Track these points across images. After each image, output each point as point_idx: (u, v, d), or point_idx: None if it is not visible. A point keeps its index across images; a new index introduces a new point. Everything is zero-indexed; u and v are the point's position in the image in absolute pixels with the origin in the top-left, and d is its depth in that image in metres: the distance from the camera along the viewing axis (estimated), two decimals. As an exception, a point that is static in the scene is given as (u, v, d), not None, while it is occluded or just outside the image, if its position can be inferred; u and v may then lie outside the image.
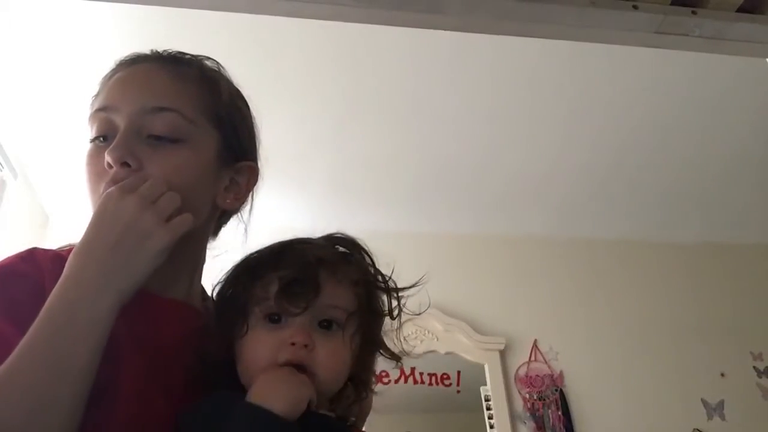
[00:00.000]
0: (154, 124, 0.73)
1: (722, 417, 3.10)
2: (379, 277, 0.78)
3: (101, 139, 0.74)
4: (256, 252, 0.74)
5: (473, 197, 3.16)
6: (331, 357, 0.69)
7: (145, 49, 0.80)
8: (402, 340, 0.78)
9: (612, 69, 2.41)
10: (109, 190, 0.68)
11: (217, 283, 0.75)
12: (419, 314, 0.85)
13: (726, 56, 1.72)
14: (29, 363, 0.58)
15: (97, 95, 0.78)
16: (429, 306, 0.89)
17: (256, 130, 0.86)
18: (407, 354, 0.80)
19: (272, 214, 2.89)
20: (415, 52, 2.29)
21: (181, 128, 0.74)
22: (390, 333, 0.78)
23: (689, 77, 2.47)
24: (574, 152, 2.88)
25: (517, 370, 3.04)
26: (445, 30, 1.31)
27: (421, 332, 3.01)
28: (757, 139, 2.84)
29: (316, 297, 0.68)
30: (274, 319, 0.69)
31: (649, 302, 3.36)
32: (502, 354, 3.05)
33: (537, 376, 3.03)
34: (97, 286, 0.62)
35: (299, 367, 0.66)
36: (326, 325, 0.70)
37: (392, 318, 0.77)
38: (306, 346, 0.67)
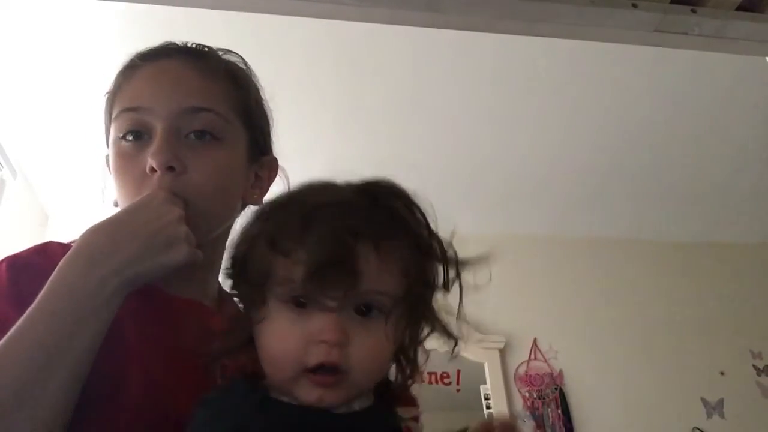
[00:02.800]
0: (192, 123, 0.72)
1: (722, 415, 3.10)
2: (435, 244, 0.63)
3: (132, 136, 0.72)
4: (275, 209, 0.61)
5: (474, 196, 3.16)
6: (370, 353, 0.57)
7: (164, 41, 0.79)
8: (462, 318, 0.65)
9: (612, 68, 2.41)
10: (156, 191, 0.68)
11: (233, 248, 0.63)
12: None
13: (724, 56, 1.73)
14: (27, 339, 0.57)
15: (118, 91, 0.76)
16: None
17: (272, 123, 0.86)
18: (462, 336, 0.66)
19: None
20: (416, 51, 2.29)
21: (218, 128, 0.74)
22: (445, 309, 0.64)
23: (688, 76, 2.47)
24: (575, 151, 2.89)
25: (517, 369, 3.04)
26: (445, 29, 1.31)
27: (420, 331, 3.01)
28: (755, 138, 2.84)
29: (356, 285, 0.55)
30: (300, 302, 0.56)
31: (649, 301, 3.36)
32: (502, 353, 3.05)
33: (537, 374, 3.03)
34: (107, 266, 0.61)
35: (334, 369, 0.55)
36: (365, 310, 0.57)
37: (447, 290, 0.63)
38: (341, 343, 0.55)
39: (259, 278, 0.58)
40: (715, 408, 3.12)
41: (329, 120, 2.61)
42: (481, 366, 3.00)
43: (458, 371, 2.97)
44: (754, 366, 3.27)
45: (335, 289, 0.55)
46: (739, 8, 1.28)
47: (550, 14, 1.27)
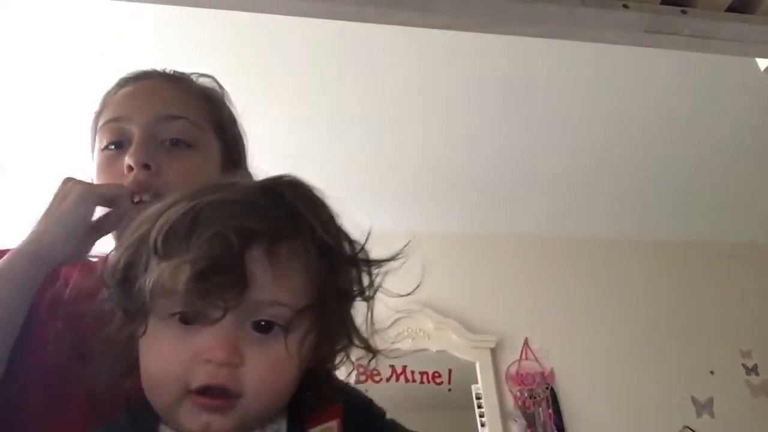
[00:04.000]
0: (168, 130, 0.78)
1: (711, 414, 3.12)
2: (345, 245, 0.56)
3: (114, 146, 0.78)
4: (166, 208, 0.52)
5: (464, 196, 3.17)
6: (267, 374, 0.49)
7: (145, 66, 0.87)
8: (374, 329, 0.59)
9: (598, 69, 2.42)
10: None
11: (116, 252, 0.55)
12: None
13: (709, 57, 1.74)
14: None
15: (102, 110, 0.83)
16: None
17: (246, 140, 0.92)
18: (384, 350, 0.60)
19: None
20: (406, 52, 2.29)
21: (192, 135, 0.80)
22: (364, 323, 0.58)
23: (673, 78, 2.49)
24: (561, 151, 2.90)
25: (508, 368, 3.05)
26: (436, 28, 1.31)
27: (412, 331, 3.01)
28: (741, 138, 2.86)
29: (243, 293, 0.48)
30: (185, 318, 0.49)
31: (639, 300, 3.38)
32: (493, 352, 3.06)
33: (528, 374, 3.04)
34: (22, 251, 0.65)
35: (222, 392, 0.48)
36: (264, 327, 0.50)
37: (365, 299, 0.57)
38: (231, 363, 0.48)
39: (140, 288, 0.50)
40: (704, 407, 3.14)
41: (322, 119, 2.60)
42: (472, 365, 3.01)
43: (450, 370, 2.98)
44: (743, 365, 3.29)
45: (221, 298, 0.47)
46: (729, 9, 1.28)
47: (541, 15, 1.27)
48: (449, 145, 2.81)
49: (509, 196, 3.19)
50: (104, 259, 0.62)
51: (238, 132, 0.90)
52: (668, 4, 1.27)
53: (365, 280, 0.57)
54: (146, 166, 0.75)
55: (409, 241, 0.61)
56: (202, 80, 0.89)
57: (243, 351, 0.49)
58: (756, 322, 3.41)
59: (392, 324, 2.98)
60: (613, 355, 3.19)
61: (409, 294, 0.64)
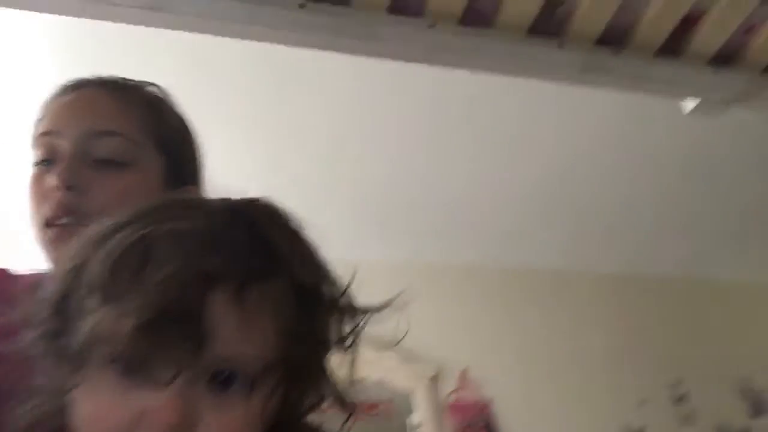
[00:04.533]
0: (99, 148, 0.73)
1: (642, 443, 3.19)
2: (326, 287, 0.49)
3: (45, 162, 0.74)
4: (111, 234, 0.44)
5: (410, 224, 3.18)
6: None
7: (88, 74, 0.81)
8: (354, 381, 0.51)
9: (550, 104, 2.48)
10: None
11: (49, 284, 0.46)
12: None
13: (649, 97, 1.81)
14: None
15: (40, 120, 0.78)
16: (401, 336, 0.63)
17: (200, 154, 0.87)
18: (360, 406, 0.52)
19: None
20: (356, 78, 2.30)
21: (126, 152, 0.75)
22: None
23: (600, 117, 2.57)
24: (515, 181, 2.94)
25: (447, 399, 3.04)
26: (380, 57, 1.32)
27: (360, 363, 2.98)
28: (676, 177, 2.98)
29: (201, 350, 0.40)
30: (129, 368, 0.41)
31: (575, 331, 3.44)
32: (432, 382, 3.05)
33: (466, 404, 3.04)
34: None
35: None
36: (223, 381, 0.42)
37: (345, 349, 0.51)
38: (182, 424, 0.40)
39: (74, 331, 0.42)
40: (636, 436, 3.21)
41: (266, 144, 2.58)
42: (410, 395, 2.99)
43: (388, 401, 2.95)
44: (672, 395, 3.39)
45: (173, 358, 0.40)
46: (659, 52, 1.35)
47: (482, 51, 1.30)
48: (400, 171, 2.82)
49: (457, 225, 3.22)
50: (27, 285, 0.54)
51: (188, 146, 0.85)
52: (602, 44, 1.33)
53: (347, 328, 0.50)
54: (70, 188, 0.70)
55: (401, 292, 0.54)
56: (148, 89, 0.84)
57: (197, 413, 0.41)
58: (684, 353, 3.52)
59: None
60: (548, 386, 3.23)
61: (396, 344, 0.57)
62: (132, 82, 0.83)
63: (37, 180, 0.74)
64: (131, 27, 1.21)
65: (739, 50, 1.38)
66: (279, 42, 1.25)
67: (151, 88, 0.84)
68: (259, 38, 1.22)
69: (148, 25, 1.18)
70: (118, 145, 0.74)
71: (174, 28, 1.20)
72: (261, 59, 2.18)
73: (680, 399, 3.38)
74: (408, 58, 1.33)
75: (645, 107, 2.42)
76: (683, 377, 3.44)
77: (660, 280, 3.76)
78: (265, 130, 2.50)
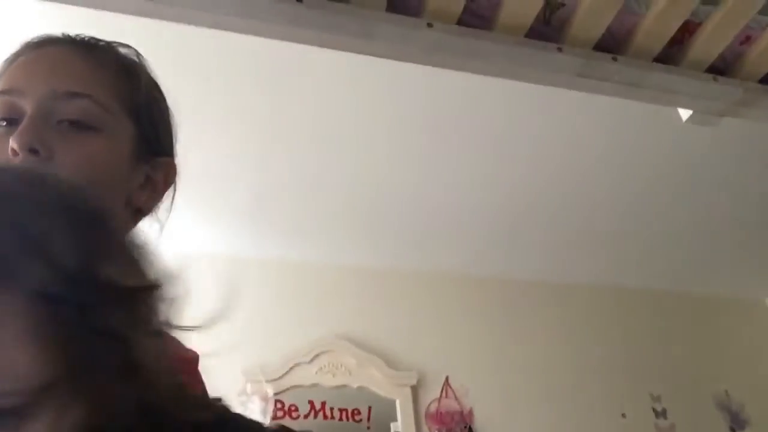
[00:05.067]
0: (66, 109, 0.66)
1: (623, 456, 3.19)
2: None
3: (4, 123, 0.66)
4: None
5: (394, 231, 3.16)
6: None
7: (56, 32, 0.73)
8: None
9: (537, 110, 2.48)
10: None
11: None
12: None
13: (637, 107, 1.81)
14: None
15: (0, 76, 0.70)
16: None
17: (174, 125, 0.79)
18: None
19: (189, 237, 2.81)
20: (347, 80, 2.28)
21: (95, 116, 0.67)
22: None
23: (594, 123, 2.57)
24: (495, 191, 2.94)
25: (428, 407, 3.02)
26: (374, 56, 1.30)
27: (333, 366, 2.95)
28: (661, 187, 2.99)
29: None
30: None
31: (556, 343, 3.44)
32: (414, 390, 3.03)
33: (447, 412, 3.02)
34: None
35: None
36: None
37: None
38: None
39: None
40: (616, 449, 3.20)
41: (253, 141, 2.54)
42: (392, 403, 2.96)
43: (369, 408, 2.92)
44: (653, 409, 3.40)
45: None
46: (656, 60, 1.34)
47: (479, 52, 1.29)
48: (384, 179, 2.80)
49: (440, 233, 3.21)
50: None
51: (158, 111, 0.77)
52: (600, 50, 1.32)
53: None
54: (33, 151, 0.63)
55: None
56: (122, 50, 0.76)
57: None
58: (664, 367, 3.54)
59: (313, 358, 2.92)
60: (530, 396, 3.22)
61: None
62: (104, 42, 0.76)
63: None
64: (125, 19, 1.18)
65: (735, 60, 1.38)
66: (274, 37, 1.22)
67: (124, 50, 0.76)
68: (255, 32, 1.19)
69: (143, 15, 1.14)
70: (87, 107, 0.67)
71: (169, 19, 1.16)
72: (251, 56, 2.15)
73: (661, 413, 3.39)
74: (404, 58, 1.31)
75: (639, 116, 2.43)
76: (663, 391, 3.45)
77: (641, 293, 3.78)
78: (253, 127, 2.46)
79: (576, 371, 3.37)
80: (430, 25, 1.24)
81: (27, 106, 0.66)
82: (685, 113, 1.42)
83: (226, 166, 2.60)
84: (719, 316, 3.93)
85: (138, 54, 0.77)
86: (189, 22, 1.17)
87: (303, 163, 2.67)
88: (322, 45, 1.25)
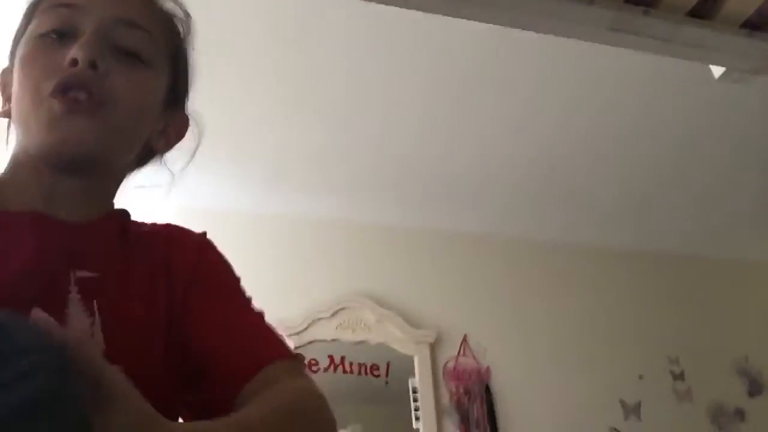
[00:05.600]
0: (126, 37, 0.68)
1: (638, 417, 3.20)
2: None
3: (56, 34, 0.66)
4: None
5: (418, 190, 3.16)
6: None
7: None
8: None
9: (559, 70, 2.44)
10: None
11: None
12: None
13: (671, 63, 1.77)
14: None
15: None
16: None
17: (193, 84, 0.83)
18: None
19: (209, 194, 2.83)
20: (371, 41, 2.26)
21: (149, 51, 0.70)
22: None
23: (631, 83, 2.53)
24: (515, 152, 2.92)
25: (446, 364, 3.05)
26: (400, 7, 1.28)
27: (353, 322, 2.99)
28: (684, 152, 2.94)
29: None
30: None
31: (575, 305, 3.44)
32: (432, 347, 3.06)
33: (464, 370, 3.05)
34: None
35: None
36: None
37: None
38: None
39: None
40: (632, 410, 3.22)
41: (279, 101, 2.53)
42: (410, 359, 3.00)
43: (388, 363, 2.97)
44: (671, 371, 3.40)
45: None
46: (689, 14, 1.31)
47: (512, 4, 1.26)
48: (409, 138, 2.79)
49: (464, 193, 3.20)
50: None
51: (189, 71, 0.80)
52: (632, 3, 1.29)
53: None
54: (93, 65, 0.64)
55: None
56: (177, 3, 0.79)
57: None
58: (683, 330, 3.53)
59: (334, 314, 2.95)
60: (547, 357, 3.24)
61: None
62: None
63: (46, 51, 0.66)
64: None
65: (772, 15, 1.34)
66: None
67: (174, 2, 0.79)
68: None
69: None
70: (145, 41, 0.69)
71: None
72: (278, 14, 2.13)
73: (678, 375, 3.39)
74: (431, 9, 1.29)
75: (671, 75, 2.37)
76: (681, 354, 3.45)
77: (662, 257, 3.76)
78: (282, 88, 2.46)
79: (594, 332, 3.37)
80: (459, -23, 1.22)
81: (87, 23, 0.66)
82: (718, 70, 1.39)
83: (254, 125, 2.61)
84: (740, 280, 3.90)
85: (188, 13, 0.79)
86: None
87: (330, 123, 2.66)
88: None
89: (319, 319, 2.92)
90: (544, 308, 3.38)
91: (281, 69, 2.37)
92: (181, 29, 0.77)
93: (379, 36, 2.24)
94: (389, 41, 2.27)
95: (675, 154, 2.98)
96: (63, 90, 0.62)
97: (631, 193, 3.27)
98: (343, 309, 2.98)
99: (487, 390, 3.04)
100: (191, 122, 0.81)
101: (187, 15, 0.79)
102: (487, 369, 3.09)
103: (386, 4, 1.26)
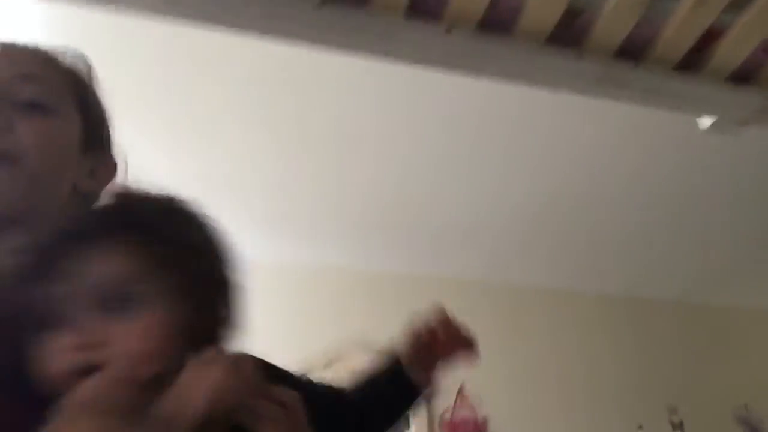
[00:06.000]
0: (25, 90, 0.71)
1: (639, 468, 3.15)
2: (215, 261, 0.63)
3: None
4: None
5: (409, 238, 3.16)
6: (129, 345, 0.55)
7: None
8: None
9: (552, 119, 2.47)
10: None
11: None
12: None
13: (656, 115, 1.80)
14: None
15: None
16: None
17: (112, 123, 0.85)
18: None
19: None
20: (367, 87, 2.29)
21: (50, 99, 0.73)
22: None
23: (622, 133, 2.56)
24: (509, 199, 2.93)
25: (442, 415, 3.00)
26: (394, 61, 1.30)
27: (348, 373, 2.94)
28: (677, 195, 2.96)
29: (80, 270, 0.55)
30: (47, 323, 0.55)
31: (573, 353, 3.41)
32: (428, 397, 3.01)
33: (461, 421, 3.00)
34: None
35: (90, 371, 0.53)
36: (117, 305, 0.55)
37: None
38: (91, 345, 0.53)
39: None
40: (633, 461, 3.17)
41: (274, 147, 2.56)
42: (406, 410, 2.95)
43: (383, 414, 2.91)
44: (670, 421, 3.35)
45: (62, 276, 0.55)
46: (677, 67, 1.34)
47: (498, 57, 1.29)
48: (402, 184, 2.80)
49: (454, 240, 3.20)
50: None
51: (104, 114, 0.83)
52: (621, 57, 1.31)
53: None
54: None
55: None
56: (72, 54, 0.82)
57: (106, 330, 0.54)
58: (682, 379, 3.50)
59: (328, 365, 2.91)
60: (545, 406, 3.19)
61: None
62: (57, 47, 0.82)
63: None
64: (122, 19, 1.20)
65: (758, 68, 1.37)
66: (294, 40, 1.23)
67: (74, 54, 0.82)
68: (275, 36, 1.20)
69: (160, 14, 1.16)
70: (43, 89, 0.72)
71: (187, 19, 1.18)
72: (271, 62, 2.17)
73: (678, 425, 3.34)
74: (424, 63, 1.31)
75: (657, 125, 2.41)
76: (680, 403, 3.41)
77: (659, 303, 3.74)
78: (273, 133, 2.48)
79: (592, 382, 3.34)
80: (449, 30, 1.24)
81: None
82: (705, 122, 1.41)
83: (244, 172, 2.62)
84: (739, 327, 3.88)
85: (86, 58, 0.83)
86: (208, 24, 1.18)
87: (321, 169, 2.68)
88: (341, 50, 1.26)
89: (313, 370, 2.87)
90: (540, 357, 3.35)
91: (272, 119, 2.39)
92: (84, 77, 0.81)
93: (371, 85, 2.27)
94: (380, 90, 2.30)
95: (671, 199, 3.00)
96: None
97: (627, 239, 3.27)
98: (337, 360, 2.94)
99: (485, 441, 2.99)
100: (120, 163, 0.83)
101: (88, 64, 0.83)
102: (484, 419, 3.04)
103: (379, 58, 1.28)
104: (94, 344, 0.53)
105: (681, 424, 3.35)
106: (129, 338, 0.53)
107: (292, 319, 3.01)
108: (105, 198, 0.76)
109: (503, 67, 1.28)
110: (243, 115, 2.35)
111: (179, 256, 0.59)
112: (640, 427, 3.27)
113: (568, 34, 1.29)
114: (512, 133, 2.56)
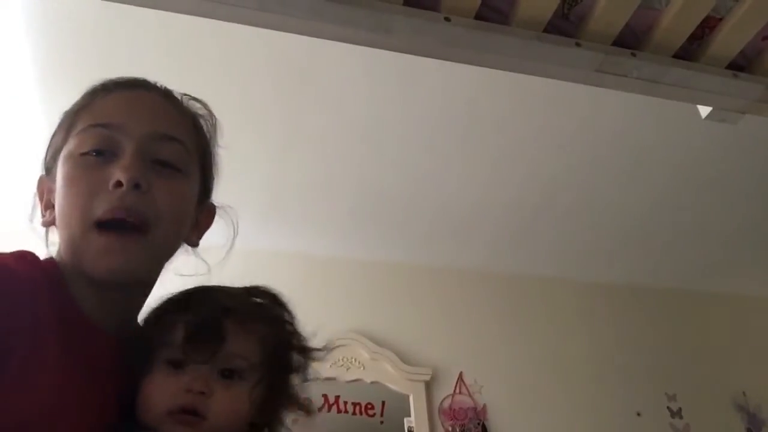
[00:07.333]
0: (163, 150, 0.73)
1: (637, 455, 3.16)
2: (293, 336, 0.79)
3: (96, 154, 0.71)
4: (174, 293, 0.75)
5: (406, 228, 3.16)
6: (225, 405, 0.69)
7: (137, 76, 0.81)
8: (307, 399, 0.79)
9: (548, 108, 2.47)
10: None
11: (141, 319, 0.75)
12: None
13: (655, 104, 1.80)
14: None
15: (86, 107, 0.76)
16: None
17: (218, 176, 0.89)
18: (313, 411, 0.81)
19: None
20: (358, 79, 2.29)
21: (183, 160, 0.76)
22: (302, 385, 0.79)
23: (621, 122, 2.56)
24: (505, 188, 2.93)
25: (442, 402, 3.02)
26: (391, 50, 1.30)
27: (348, 360, 2.96)
28: (680, 183, 2.96)
29: (220, 347, 0.70)
30: (176, 364, 0.70)
31: (571, 341, 3.42)
32: (428, 385, 3.03)
33: (460, 408, 3.02)
34: None
35: (192, 412, 0.68)
36: (227, 374, 0.71)
37: (302, 377, 0.78)
38: (203, 393, 0.68)
39: (148, 342, 0.71)
40: (630, 448, 3.18)
41: (267, 140, 2.56)
42: (406, 398, 2.96)
43: (383, 402, 2.93)
44: (668, 408, 3.37)
45: (205, 349, 0.69)
46: (675, 56, 1.33)
47: (496, 46, 1.28)
48: (396, 175, 2.80)
49: (452, 230, 3.20)
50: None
51: (216, 163, 0.87)
52: (619, 45, 1.30)
53: (305, 363, 0.79)
54: (137, 186, 0.69)
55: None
56: (193, 103, 0.84)
57: (212, 388, 0.69)
58: (680, 366, 3.51)
59: (328, 352, 2.92)
60: (544, 394, 3.21)
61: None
62: (181, 94, 0.84)
63: (89, 170, 0.70)
64: (111, 11, 1.18)
65: (757, 56, 1.36)
66: (290, 30, 1.22)
67: (194, 102, 0.85)
68: (271, 26, 1.19)
69: (157, 7, 1.15)
70: (179, 152, 0.75)
71: (184, 11, 1.17)
72: (263, 55, 2.16)
73: (676, 412, 3.36)
74: (421, 52, 1.30)
75: (658, 113, 2.40)
76: (679, 390, 3.42)
77: (659, 291, 3.75)
78: (270, 125, 2.47)
79: (590, 369, 3.35)
80: (447, 19, 1.23)
81: (126, 141, 0.71)
82: (704, 110, 1.40)
83: (242, 163, 2.61)
84: (737, 315, 3.89)
85: (209, 108, 0.86)
86: (206, 16, 1.17)
87: (317, 160, 2.68)
88: (338, 39, 1.25)
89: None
90: (540, 345, 3.36)
91: (273, 106, 2.39)
92: (206, 129, 0.84)
93: (367, 76, 2.27)
94: (376, 81, 2.30)
95: (668, 188, 2.99)
96: (103, 223, 0.68)
97: (625, 227, 3.27)
98: (337, 347, 2.95)
99: (484, 428, 3.00)
100: (218, 210, 0.88)
101: (212, 115, 0.86)
102: (484, 407, 3.06)
103: (376, 47, 1.27)
104: (203, 393, 0.68)
105: (679, 411, 3.36)
106: (224, 400, 0.69)
107: (296, 307, 3.01)
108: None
109: (501, 56, 1.27)
110: (243, 107, 2.35)
111: (283, 350, 0.77)
112: (639, 413, 3.29)
113: (566, 22, 1.29)
114: (510, 121, 2.55)
